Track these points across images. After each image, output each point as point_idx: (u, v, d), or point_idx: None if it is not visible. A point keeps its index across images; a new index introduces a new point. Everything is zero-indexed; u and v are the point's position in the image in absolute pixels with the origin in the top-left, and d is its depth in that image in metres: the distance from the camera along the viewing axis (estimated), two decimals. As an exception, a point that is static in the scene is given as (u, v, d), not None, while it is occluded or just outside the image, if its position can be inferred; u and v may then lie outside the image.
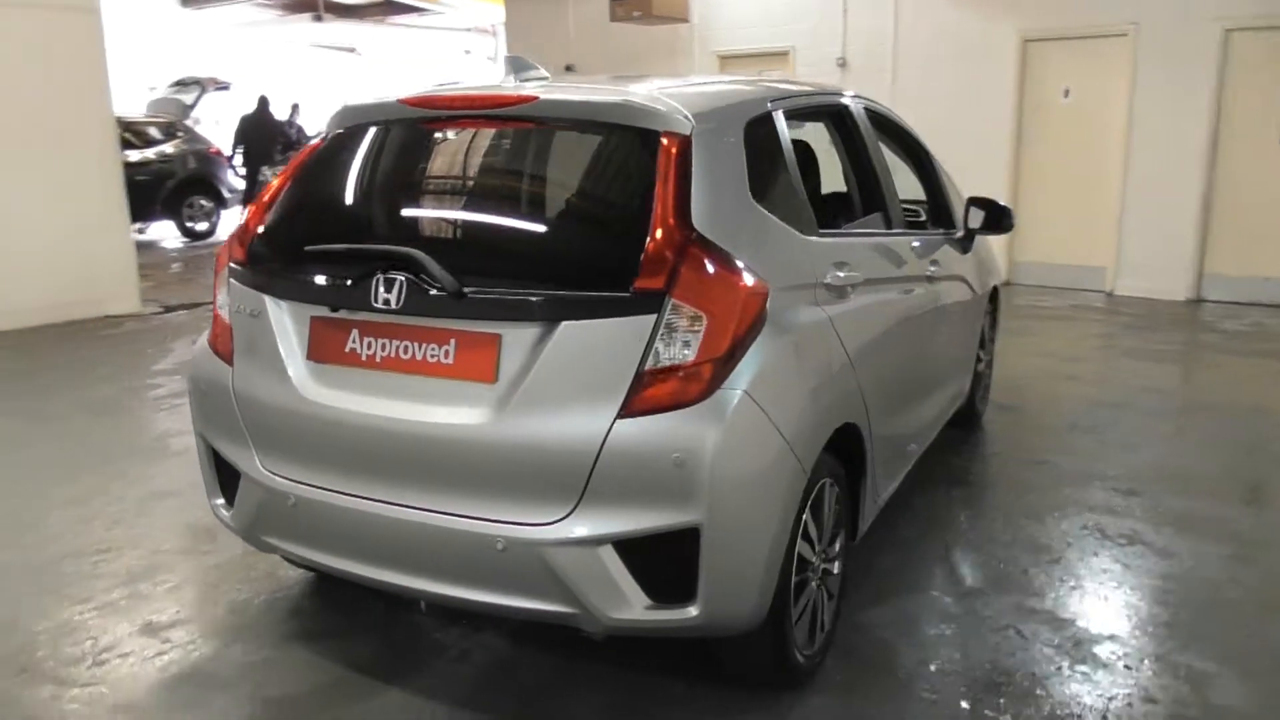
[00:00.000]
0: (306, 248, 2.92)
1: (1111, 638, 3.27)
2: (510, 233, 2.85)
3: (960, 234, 4.68)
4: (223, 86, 16.05)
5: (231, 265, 3.04)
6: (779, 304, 2.68)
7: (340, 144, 3.12)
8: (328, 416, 2.76)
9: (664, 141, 2.65)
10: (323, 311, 2.80)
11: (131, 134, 15.33)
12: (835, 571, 3.12)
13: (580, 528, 2.48)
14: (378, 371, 2.72)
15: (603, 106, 2.77)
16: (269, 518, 2.95)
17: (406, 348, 2.68)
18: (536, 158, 2.94)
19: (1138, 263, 9.63)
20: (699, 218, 2.55)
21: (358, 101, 3.13)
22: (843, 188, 3.90)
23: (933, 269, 4.02)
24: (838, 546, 3.12)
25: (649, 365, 2.45)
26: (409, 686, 3.01)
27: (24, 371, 6.92)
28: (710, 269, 2.50)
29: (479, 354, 2.58)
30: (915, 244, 3.99)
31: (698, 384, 2.45)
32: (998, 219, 4.60)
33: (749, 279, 2.57)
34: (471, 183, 2.99)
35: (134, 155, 14.80)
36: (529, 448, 2.51)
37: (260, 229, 3.04)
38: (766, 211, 2.83)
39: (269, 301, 2.90)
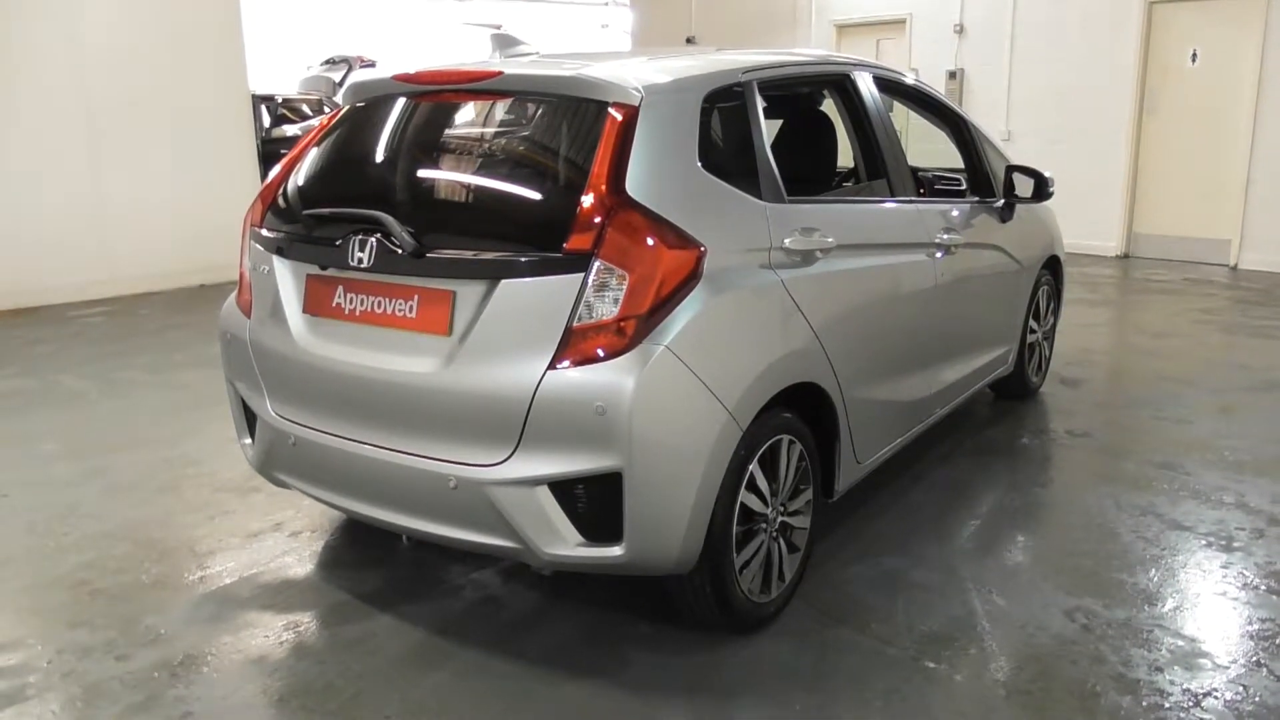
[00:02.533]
0: (303, 212, 3.23)
1: (1079, 605, 3.28)
2: (470, 198, 3.08)
3: (999, 203, 4.67)
4: (369, 64, 16.84)
5: (251, 228, 3.38)
6: (720, 265, 2.82)
7: (347, 118, 3.42)
8: (317, 364, 3.07)
9: (611, 111, 2.82)
10: (315, 269, 3.10)
11: (288, 109, 16.37)
12: (800, 525, 3.25)
13: (519, 469, 2.70)
14: (356, 324, 3.00)
15: (559, 80, 2.96)
16: (277, 456, 3.29)
17: (379, 303, 2.95)
18: (501, 128, 3.15)
19: (1265, 236, 9.17)
20: (634, 183, 2.71)
21: (363, 78, 3.42)
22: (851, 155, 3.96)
23: (946, 236, 4.03)
24: (803, 502, 3.24)
25: (578, 321, 2.64)
26: (400, 614, 3.30)
27: (151, 330, 7.61)
28: (636, 231, 2.66)
29: (436, 309, 2.83)
30: (921, 211, 4.00)
31: (621, 339, 2.62)
32: (1036, 187, 4.64)
33: (677, 241, 2.72)
34: (441, 151, 3.24)
35: (290, 130, 15.82)
36: (474, 395, 2.74)
37: (274, 197, 3.37)
38: (716, 178, 2.96)
39: (276, 260, 3.22)
